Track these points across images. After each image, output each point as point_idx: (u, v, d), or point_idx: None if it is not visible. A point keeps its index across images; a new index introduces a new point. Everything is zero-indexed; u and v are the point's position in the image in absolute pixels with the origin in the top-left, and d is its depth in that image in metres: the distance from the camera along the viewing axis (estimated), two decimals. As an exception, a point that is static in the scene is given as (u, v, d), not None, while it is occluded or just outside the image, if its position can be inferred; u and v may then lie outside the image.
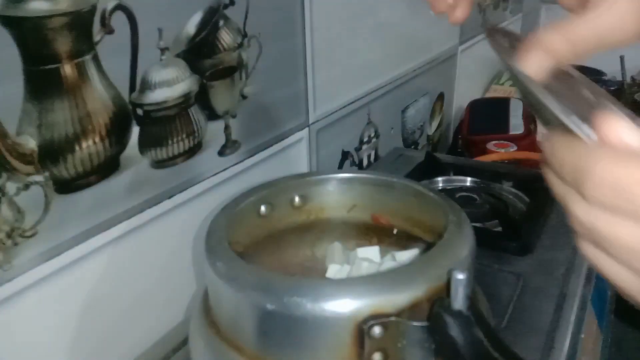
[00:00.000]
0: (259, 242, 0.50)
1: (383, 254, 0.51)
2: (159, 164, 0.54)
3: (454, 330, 0.33)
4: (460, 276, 0.32)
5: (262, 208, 0.49)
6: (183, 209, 0.58)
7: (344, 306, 0.34)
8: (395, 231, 0.52)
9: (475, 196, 0.73)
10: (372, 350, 0.35)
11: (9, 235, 0.42)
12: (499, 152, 1.08)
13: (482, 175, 0.80)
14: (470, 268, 0.39)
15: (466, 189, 0.77)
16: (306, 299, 0.34)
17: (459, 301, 0.33)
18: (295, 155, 0.75)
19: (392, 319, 0.34)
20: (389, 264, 0.48)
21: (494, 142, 1.12)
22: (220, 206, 0.47)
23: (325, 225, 0.54)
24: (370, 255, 0.49)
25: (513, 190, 0.77)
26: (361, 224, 0.54)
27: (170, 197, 0.56)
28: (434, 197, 0.47)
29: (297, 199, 0.52)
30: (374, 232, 0.53)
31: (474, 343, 0.33)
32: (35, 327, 0.46)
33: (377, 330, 0.34)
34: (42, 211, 0.44)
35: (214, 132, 0.60)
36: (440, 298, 0.35)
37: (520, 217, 0.69)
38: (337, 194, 0.53)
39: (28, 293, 0.44)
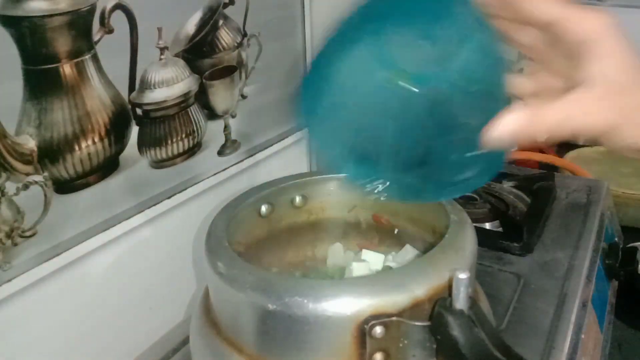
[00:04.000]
0: (260, 242, 0.50)
1: (384, 254, 0.51)
2: (158, 164, 0.54)
3: (456, 330, 0.33)
4: (462, 276, 0.32)
5: (263, 208, 0.49)
6: (183, 209, 0.57)
7: (345, 306, 0.34)
8: (396, 231, 0.52)
9: (476, 196, 0.72)
10: (373, 350, 0.34)
11: (8, 235, 0.41)
12: (499, 152, 1.08)
13: (482, 175, 0.80)
14: (471, 268, 0.39)
15: (467, 189, 0.77)
16: (307, 299, 0.34)
17: (460, 301, 0.33)
18: (295, 155, 0.75)
19: (394, 318, 0.34)
20: (390, 264, 0.48)
21: (494, 142, 1.12)
22: (221, 206, 0.46)
23: (326, 225, 0.53)
24: (371, 260, 0.49)
25: (514, 190, 0.76)
26: (362, 224, 0.53)
27: (169, 197, 0.55)
28: (434, 196, 0.47)
29: (297, 198, 0.52)
30: (375, 232, 0.53)
31: (475, 343, 0.33)
32: (34, 327, 0.46)
33: (378, 330, 0.34)
34: (42, 211, 0.44)
35: (213, 131, 0.60)
36: (441, 298, 0.35)
37: (521, 217, 0.69)
38: (338, 194, 0.52)
39: (27, 293, 0.44)
